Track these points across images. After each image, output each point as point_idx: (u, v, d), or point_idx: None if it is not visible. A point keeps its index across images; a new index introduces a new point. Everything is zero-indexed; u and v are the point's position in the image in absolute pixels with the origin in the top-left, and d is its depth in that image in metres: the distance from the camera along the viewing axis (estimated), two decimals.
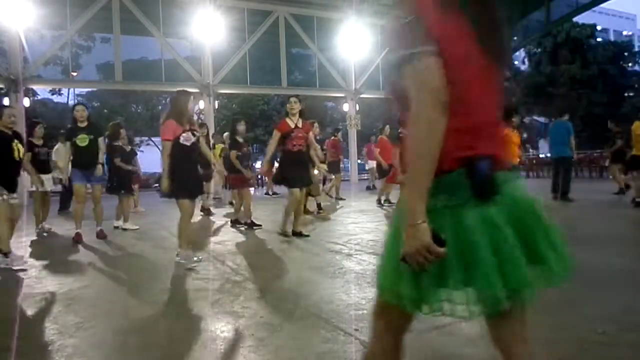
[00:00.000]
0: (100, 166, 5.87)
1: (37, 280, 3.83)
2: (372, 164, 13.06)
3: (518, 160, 6.18)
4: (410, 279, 1.07)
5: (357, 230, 5.93)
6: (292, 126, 5.13)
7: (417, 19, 1.04)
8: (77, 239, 5.57)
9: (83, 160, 5.77)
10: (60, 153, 8.36)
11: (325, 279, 3.58)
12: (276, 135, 5.19)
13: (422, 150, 1.03)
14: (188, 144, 4.18)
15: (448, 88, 1.03)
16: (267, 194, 12.49)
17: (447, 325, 2.49)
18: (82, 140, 5.71)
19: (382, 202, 8.65)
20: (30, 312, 2.99)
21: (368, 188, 13.42)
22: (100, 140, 5.94)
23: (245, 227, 6.30)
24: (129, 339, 2.50)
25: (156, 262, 4.48)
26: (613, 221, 6.18)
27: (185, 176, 4.18)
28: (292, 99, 5.28)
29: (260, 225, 6.32)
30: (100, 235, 5.82)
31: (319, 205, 7.91)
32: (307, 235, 5.36)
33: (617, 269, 3.59)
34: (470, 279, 1.04)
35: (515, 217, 1.08)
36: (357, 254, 4.41)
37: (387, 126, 8.85)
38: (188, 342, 2.38)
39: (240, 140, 6.52)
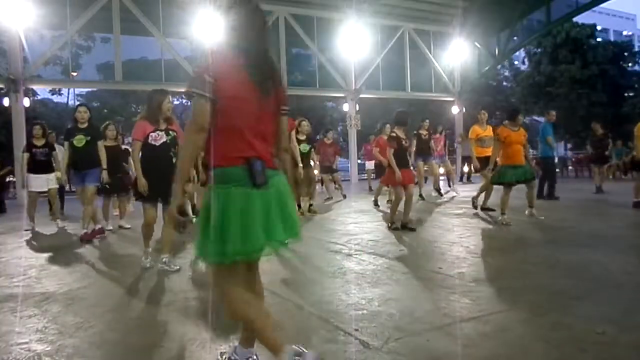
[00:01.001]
0: (105, 172, 5.86)
1: (37, 280, 3.82)
2: (370, 164, 13.01)
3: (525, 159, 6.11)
4: (206, 241, 1.63)
5: (357, 230, 5.92)
6: None
7: (206, 68, 1.63)
8: (98, 234, 5.81)
9: (78, 161, 5.76)
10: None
11: (325, 279, 3.58)
12: None
13: (186, 155, 1.70)
14: (157, 144, 4.04)
15: (225, 116, 1.65)
16: None
17: (447, 326, 2.50)
18: (79, 141, 5.69)
19: (378, 202, 8.64)
20: (30, 312, 2.99)
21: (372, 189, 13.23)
22: (100, 143, 5.91)
23: None
24: (129, 339, 2.50)
25: (156, 262, 4.47)
26: (612, 221, 6.18)
27: (149, 179, 4.01)
28: None
29: None
30: (85, 238, 5.60)
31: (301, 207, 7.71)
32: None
33: (617, 269, 3.59)
34: (245, 234, 1.61)
35: (277, 198, 1.69)
36: (357, 254, 4.41)
37: (387, 126, 8.80)
38: (188, 342, 2.38)
39: None
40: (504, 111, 7.46)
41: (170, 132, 4.13)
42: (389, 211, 6.15)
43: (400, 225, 5.71)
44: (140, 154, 4.09)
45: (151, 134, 4.01)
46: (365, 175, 15.25)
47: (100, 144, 5.90)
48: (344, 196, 10.38)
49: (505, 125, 6.13)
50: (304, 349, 1.78)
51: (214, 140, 1.67)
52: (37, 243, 5.87)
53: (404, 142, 5.83)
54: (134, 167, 4.11)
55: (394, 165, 5.67)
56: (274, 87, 1.77)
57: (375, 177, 9.52)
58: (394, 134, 5.83)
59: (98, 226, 5.91)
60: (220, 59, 1.68)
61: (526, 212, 6.14)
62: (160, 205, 4.17)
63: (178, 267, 4.08)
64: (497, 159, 6.24)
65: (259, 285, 1.92)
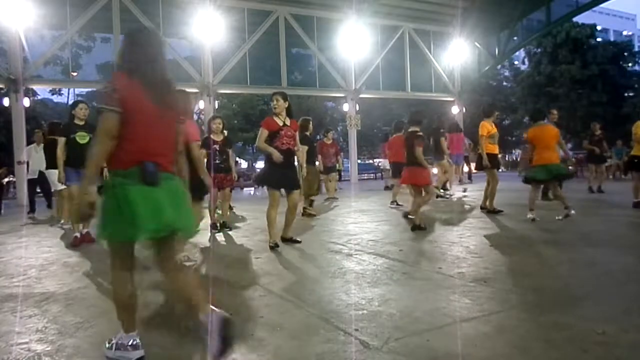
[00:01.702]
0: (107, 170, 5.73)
1: (37, 281, 3.82)
2: (386, 163, 12.80)
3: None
4: (112, 225, 2.00)
5: (357, 230, 5.92)
6: (280, 124, 4.78)
7: (112, 88, 2.01)
8: (75, 243, 5.38)
9: (81, 159, 5.54)
10: (31, 154, 8.38)
11: (325, 279, 3.58)
12: (263, 133, 4.76)
13: (94, 156, 2.03)
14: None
15: (127, 127, 2.00)
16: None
17: (447, 326, 2.50)
18: (82, 137, 5.50)
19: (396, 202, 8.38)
20: (30, 312, 2.99)
21: (387, 188, 12.42)
22: None
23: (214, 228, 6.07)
24: None
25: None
26: (612, 221, 6.18)
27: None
28: (275, 96, 4.82)
29: (230, 228, 6.28)
30: (87, 239, 5.48)
31: (304, 209, 7.60)
32: (299, 242, 5.04)
33: (617, 268, 3.59)
34: (136, 221, 1.94)
35: (167, 197, 2.03)
36: (357, 254, 4.41)
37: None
38: (188, 342, 2.38)
39: (215, 138, 6.17)
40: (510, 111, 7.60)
41: None
42: (409, 208, 6.10)
43: (411, 227, 5.70)
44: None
45: None
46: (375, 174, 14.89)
47: None
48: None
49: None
50: (138, 342, 2.19)
51: (117, 147, 2.03)
52: (37, 243, 5.86)
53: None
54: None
55: (425, 163, 5.72)
56: (168, 102, 2.13)
57: (393, 176, 9.04)
58: (419, 133, 5.80)
59: (85, 230, 5.55)
60: (122, 80, 2.05)
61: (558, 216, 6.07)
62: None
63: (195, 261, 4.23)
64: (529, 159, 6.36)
65: (173, 266, 2.23)
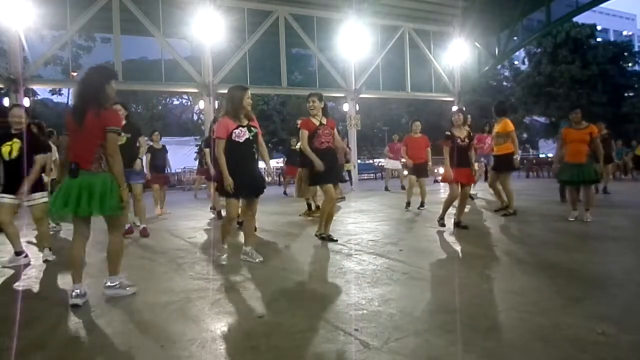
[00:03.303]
0: (138, 161, 5.89)
1: (37, 280, 3.83)
2: (393, 164, 12.73)
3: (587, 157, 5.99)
4: (53, 205, 3.06)
5: (357, 230, 5.92)
6: (317, 124, 4.98)
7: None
8: (144, 234, 5.90)
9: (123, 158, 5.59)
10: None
11: (325, 279, 3.58)
12: (304, 134, 4.97)
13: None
14: (241, 140, 4.04)
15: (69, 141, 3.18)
16: (285, 193, 12.43)
17: (447, 325, 2.50)
18: (120, 139, 5.51)
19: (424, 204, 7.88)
20: (30, 312, 2.99)
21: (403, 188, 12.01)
22: (142, 139, 5.95)
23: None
24: (129, 339, 2.50)
25: (156, 262, 4.48)
26: (612, 221, 6.17)
27: (234, 175, 4.01)
28: (311, 98, 5.03)
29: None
30: (144, 233, 5.88)
31: (310, 206, 7.53)
32: (336, 240, 5.09)
33: (617, 269, 3.59)
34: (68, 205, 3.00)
35: (83, 185, 2.99)
36: (357, 254, 4.41)
37: (417, 123, 8.30)
38: (188, 342, 2.38)
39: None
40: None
41: (252, 128, 4.13)
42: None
43: (453, 223, 5.70)
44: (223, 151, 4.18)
45: (234, 130, 4.03)
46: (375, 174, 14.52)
47: (142, 140, 6.03)
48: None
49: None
50: (81, 293, 3.05)
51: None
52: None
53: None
54: (220, 165, 4.04)
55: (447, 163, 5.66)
56: (84, 121, 3.02)
57: (413, 174, 8.55)
58: (447, 133, 5.73)
59: (142, 226, 6.00)
60: (67, 113, 3.16)
61: (585, 217, 5.95)
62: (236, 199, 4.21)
63: (261, 259, 4.20)
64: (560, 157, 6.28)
65: (111, 238, 3.24)
